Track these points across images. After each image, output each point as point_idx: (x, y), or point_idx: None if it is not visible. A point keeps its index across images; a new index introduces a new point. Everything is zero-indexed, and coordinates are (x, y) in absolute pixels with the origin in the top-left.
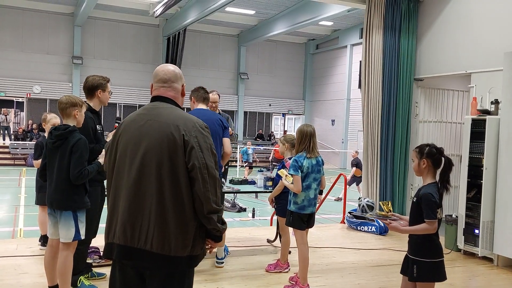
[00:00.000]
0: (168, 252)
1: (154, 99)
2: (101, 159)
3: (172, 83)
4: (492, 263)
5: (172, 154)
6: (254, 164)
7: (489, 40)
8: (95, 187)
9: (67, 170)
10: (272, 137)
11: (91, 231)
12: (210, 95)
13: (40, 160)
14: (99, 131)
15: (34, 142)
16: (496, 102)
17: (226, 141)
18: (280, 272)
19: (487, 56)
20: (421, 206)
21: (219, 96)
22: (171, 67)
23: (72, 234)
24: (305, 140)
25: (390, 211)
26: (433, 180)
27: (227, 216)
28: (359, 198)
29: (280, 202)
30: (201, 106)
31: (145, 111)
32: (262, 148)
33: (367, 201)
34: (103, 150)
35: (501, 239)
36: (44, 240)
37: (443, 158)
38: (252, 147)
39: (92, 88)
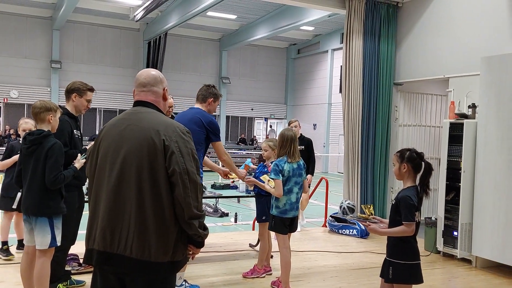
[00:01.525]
0: (148, 258)
1: (136, 104)
2: (77, 164)
3: (151, 87)
4: (471, 264)
5: (152, 159)
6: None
7: (467, 45)
8: (72, 192)
9: (42, 176)
10: (255, 142)
11: (69, 238)
12: (169, 99)
13: (5, 161)
14: (77, 136)
15: None
16: (473, 106)
17: (218, 146)
18: (257, 277)
19: (464, 61)
20: (400, 208)
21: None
22: (152, 71)
23: (48, 241)
24: (286, 144)
25: (372, 214)
26: (413, 184)
27: (209, 221)
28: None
29: (258, 207)
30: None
31: (126, 116)
32: (244, 152)
33: (348, 203)
34: (79, 154)
35: (479, 241)
36: (19, 244)
37: (423, 163)
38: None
39: (69, 91)
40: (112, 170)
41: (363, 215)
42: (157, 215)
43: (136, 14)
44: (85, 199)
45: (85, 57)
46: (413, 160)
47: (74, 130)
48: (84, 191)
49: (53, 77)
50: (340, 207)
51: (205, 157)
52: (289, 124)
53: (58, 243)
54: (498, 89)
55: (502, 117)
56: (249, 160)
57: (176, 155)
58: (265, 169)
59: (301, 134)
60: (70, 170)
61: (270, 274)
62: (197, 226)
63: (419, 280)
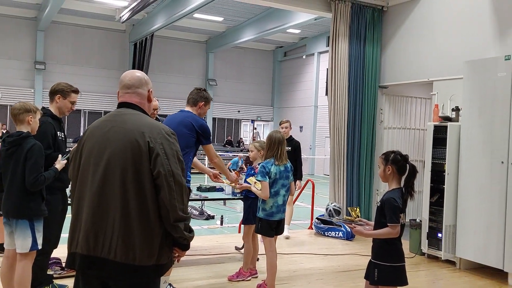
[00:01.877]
0: (132, 261)
1: (120, 105)
2: (57, 165)
3: (136, 89)
4: (455, 266)
5: (137, 161)
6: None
7: (450, 49)
8: (55, 195)
9: (22, 177)
10: (241, 144)
11: (52, 241)
12: (153, 102)
13: None
14: (60, 138)
15: None
16: (456, 109)
17: (209, 149)
18: (243, 280)
19: (448, 65)
20: (384, 210)
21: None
22: (137, 73)
23: (29, 244)
24: (274, 146)
25: (358, 217)
26: (398, 186)
27: (195, 224)
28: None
29: (244, 209)
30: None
31: (110, 117)
32: (231, 154)
33: (334, 205)
34: (59, 155)
35: (462, 243)
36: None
37: (407, 165)
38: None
39: (53, 92)
40: (95, 172)
41: (349, 217)
42: (142, 218)
43: (122, 16)
44: (69, 202)
45: (70, 59)
46: (397, 162)
47: (58, 132)
48: (67, 193)
49: (37, 78)
50: (326, 209)
51: (195, 158)
52: (280, 124)
53: (39, 246)
54: (481, 92)
55: (484, 120)
56: (235, 159)
57: (161, 157)
58: (253, 172)
59: (290, 135)
60: (50, 171)
61: (256, 277)
62: (182, 229)
63: (404, 282)
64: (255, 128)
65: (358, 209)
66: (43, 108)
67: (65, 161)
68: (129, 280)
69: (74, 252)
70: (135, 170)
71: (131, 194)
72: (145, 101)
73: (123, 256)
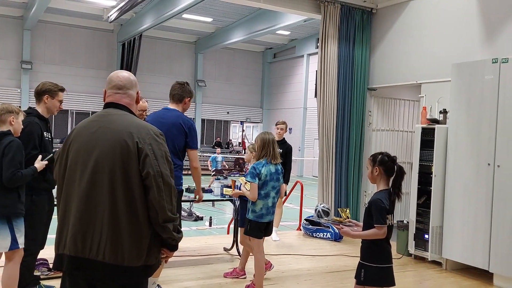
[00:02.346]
0: (121, 262)
1: (107, 105)
2: (37, 164)
3: (127, 90)
4: (441, 266)
5: (125, 162)
6: (223, 175)
7: (438, 52)
8: (41, 195)
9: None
10: (230, 145)
11: (38, 242)
12: (140, 102)
13: None
14: (47, 139)
15: None
16: (444, 112)
17: (192, 154)
18: (237, 277)
19: (436, 67)
20: (371, 211)
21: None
22: (125, 73)
23: (8, 243)
24: (267, 146)
25: (348, 218)
26: (386, 187)
27: (183, 225)
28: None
29: (241, 212)
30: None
31: (98, 117)
32: (220, 156)
33: (323, 206)
34: (40, 156)
35: (449, 244)
36: None
37: (395, 166)
38: (222, 155)
39: (40, 92)
40: (83, 173)
41: (338, 218)
42: (131, 219)
43: (110, 15)
44: (55, 203)
45: (57, 58)
46: (385, 163)
47: (45, 133)
48: (54, 194)
49: (23, 78)
50: (315, 210)
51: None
52: (276, 125)
53: (20, 246)
54: (468, 95)
55: (471, 122)
56: (213, 155)
57: (150, 158)
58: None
59: (284, 138)
60: (29, 169)
61: (244, 278)
62: (171, 229)
63: (391, 283)
64: (244, 130)
65: (348, 210)
66: (30, 108)
67: (45, 162)
68: (118, 281)
69: (62, 253)
70: (124, 170)
71: (120, 195)
72: (133, 102)
73: (111, 257)
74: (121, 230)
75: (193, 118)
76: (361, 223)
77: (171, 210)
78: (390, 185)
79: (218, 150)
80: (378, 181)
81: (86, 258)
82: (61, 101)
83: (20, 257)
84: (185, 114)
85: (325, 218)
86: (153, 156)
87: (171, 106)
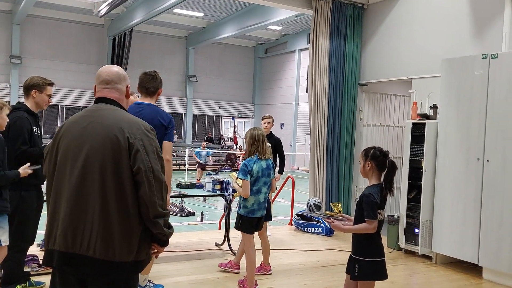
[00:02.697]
0: (112, 258)
1: (97, 100)
2: (21, 170)
3: (115, 84)
4: (431, 260)
5: (116, 157)
6: (207, 168)
7: (429, 47)
8: (30, 191)
9: None
10: (222, 141)
11: (28, 239)
12: (131, 97)
13: None
14: (36, 134)
15: None
16: (434, 107)
17: (167, 145)
18: (230, 271)
19: (426, 63)
20: (363, 206)
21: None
22: (114, 68)
23: None
24: (257, 142)
25: (340, 212)
26: (378, 182)
27: (175, 221)
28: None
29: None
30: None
31: (88, 112)
32: (212, 151)
33: (315, 200)
34: (27, 164)
35: (439, 238)
36: None
37: (387, 161)
38: (208, 150)
39: (28, 87)
40: (73, 169)
41: (330, 212)
42: (121, 214)
43: (100, 10)
44: (44, 199)
45: (47, 53)
46: (377, 158)
47: (34, 128)
48: (43, 190)
49: (12, 73)
50: (307, 204)
51: None
52: (262, 119)
53: (4, 243)
54: (458, 90)
55: (461, 117)
56: (198, 149)
57: (141, 153)
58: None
59: (271, 132)
60: (12, 173)
61: (237, 273)
62: (162, 225)
63: (384, 276)
64: (235, 126)
65: (340, 205)
66: (19, 103)
67: (30, 171)
68: (108, 276)
69: (52, 249)
70: (115, 166)
71: (111, 190)
72: (123, 96)
73: (102, 253)
74: (112, 226)
75: (184, 113)
76: (352, 217)
77: (161, 206)
78: (382, 179)
79: (204, 144)
80: (370, 175)
81: (76, 253)
82: (50, 95)
83: (4, 253)
84: (172, 109)
85: (317, 212)
86: (144, 152)
87: (145, 100)
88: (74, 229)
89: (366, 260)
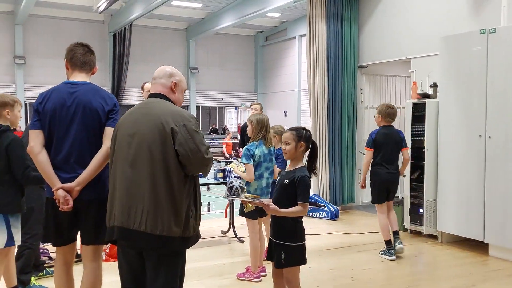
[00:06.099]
0: (161, 232)
1: (150, 96)
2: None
3: (159, 79)
4: (437, 240)
5: (163, 142)
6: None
7: (426, 26)
8: (42, 190)
9: None
10: (226, 131)
11: (39, 234)
12: (147, 84)
13: None
14: None
15: None
16: (434, 86)
17: (108, 132)
18: (249, 280)
19: (425, 42)
20: (297, 188)
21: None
22: (164, 66)
23: (4, 240)
24: (263, 129)
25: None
26: (302, 164)
27: None
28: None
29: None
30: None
31: (141, 105)
32: (216, 142)
33: (240, 183)
34: None
35: (443, 217)
36: None
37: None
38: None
39: None
40: (128, 154)
41: (251, 195)
42: (169, 192)
43: (99, 6)
44: None
45: (50, 52)
46: (308, 139)
47: None
48: None
49: (17, 73)
50: (231, 187)
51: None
52: (250, 106)
53: (17, 243)
54: (456, 68)
55: (460, 95)
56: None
57: (182, 135)
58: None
59: None
60: (39, 174)
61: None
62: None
63: (305, 260)
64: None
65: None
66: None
67: None
68: (158, 249)
69: (113, 225)
70: (162, 150)
71: (159, 171)
72: (168, 89)
73: (152, 228)
74: (161, 203)
75: (187, 105)
76: (269, 201)
77: (206, 152)
78: (304, 161)
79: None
80: (299, 157)
81: (131, 229)
82: (19, 111)
83: (13, 254)
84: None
85: (243, 194)
86: (188, 136)
87: (78, 77)
88: (129, 207)
89: (293, 245)
